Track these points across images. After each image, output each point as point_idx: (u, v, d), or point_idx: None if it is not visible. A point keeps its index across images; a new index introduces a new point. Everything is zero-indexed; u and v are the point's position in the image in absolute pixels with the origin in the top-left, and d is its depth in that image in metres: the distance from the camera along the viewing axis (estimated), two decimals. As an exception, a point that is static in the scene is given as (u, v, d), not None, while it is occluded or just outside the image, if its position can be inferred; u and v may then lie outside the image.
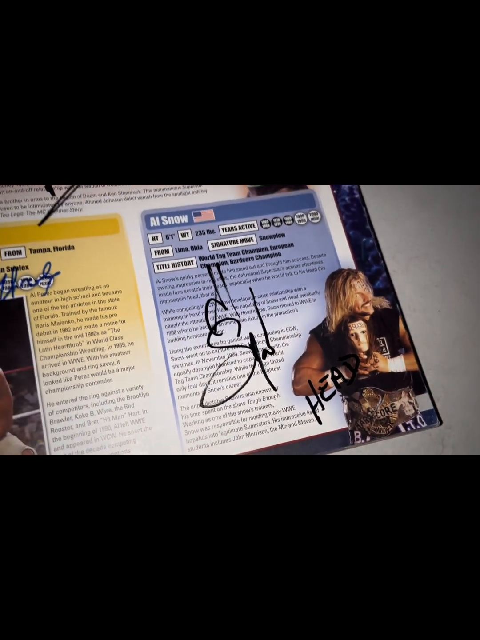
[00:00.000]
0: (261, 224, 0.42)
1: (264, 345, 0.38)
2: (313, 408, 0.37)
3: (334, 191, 0.44)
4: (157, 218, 0.40)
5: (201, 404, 0.36)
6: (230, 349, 0.37)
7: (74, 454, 0.33)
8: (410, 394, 0.39)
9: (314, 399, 0.37)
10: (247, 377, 0.37)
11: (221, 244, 0.40)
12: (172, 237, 0.40)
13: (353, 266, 0.42)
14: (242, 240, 0.41)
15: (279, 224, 0.42)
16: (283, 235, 0.42)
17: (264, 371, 0.37)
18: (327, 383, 0.38)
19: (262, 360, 0.38)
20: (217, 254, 0.40)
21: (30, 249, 0.37)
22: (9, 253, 0.36)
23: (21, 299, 0.35)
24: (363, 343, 0.39)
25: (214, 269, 0.39)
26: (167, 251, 0.39)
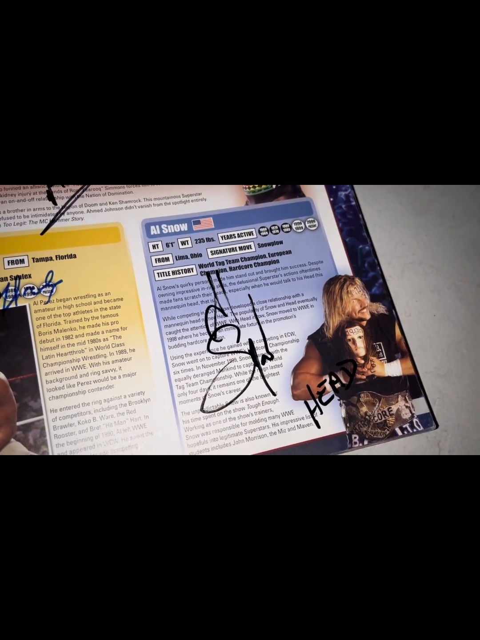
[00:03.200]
0: (259, 232, 0.42)
1: (263, 351, 0.39)
2: (311, 412, 0.38)
3: (331, 199, 0.45)
4: (158, 226, 0.40)
5: (202, 409, 0.36)
6: (230, 354, 0.38)
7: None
8: (407, 397, 0.40)
9: (312, 404, 0.38)
10: (246, 383, 0.38)
11: (220, 251, 0.41)
12: (172, 245, 0.40)
13: (350, 272, 0.42)
14: (241, 248, 0.41)
15: (277, 231, 0.43)
16: (281, 242, 0.42)
17: (263, 376, 0.38)
18: (325, 388, 0.38)
19: (262, 365, 0.38)
20: (216, 262, 0.40)
21: (33, 258, 0.37)
22: (12, 262, 0.37)
23: (24, 307, 0.36)
24: (360, 348, 0.40)
25: (214, 276, 0.40)
26: (167, 259, 0.40)
